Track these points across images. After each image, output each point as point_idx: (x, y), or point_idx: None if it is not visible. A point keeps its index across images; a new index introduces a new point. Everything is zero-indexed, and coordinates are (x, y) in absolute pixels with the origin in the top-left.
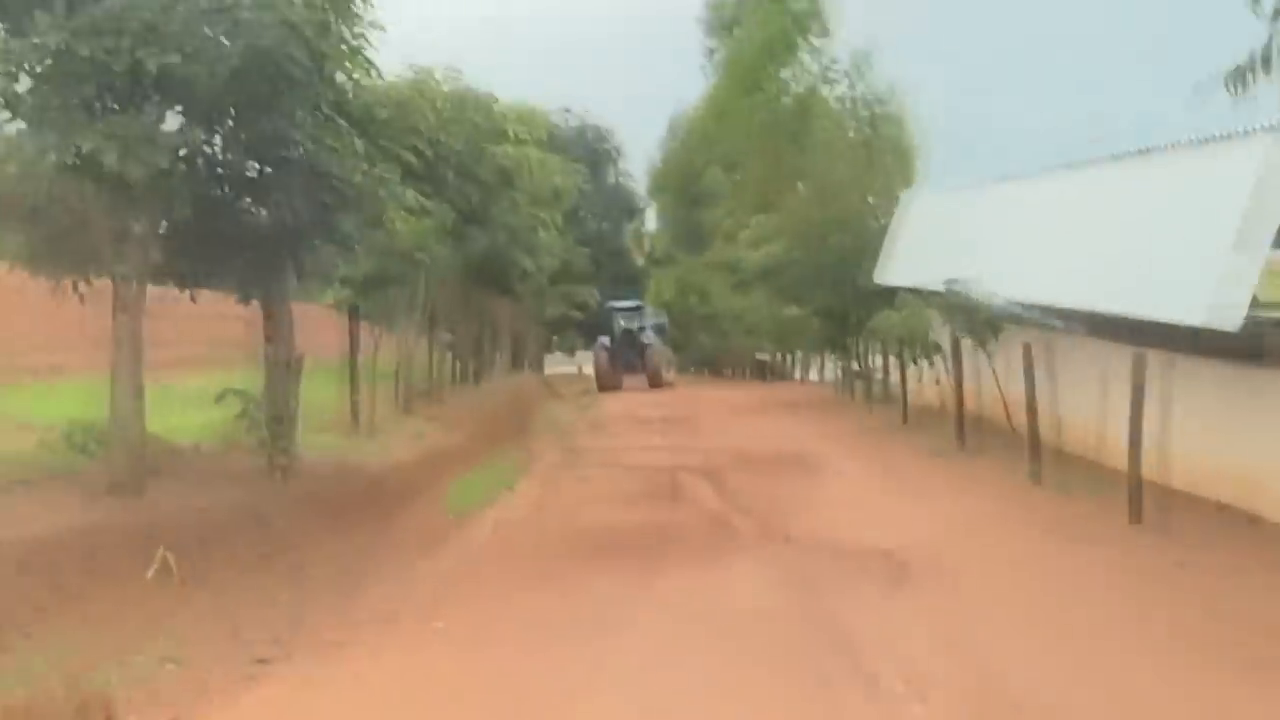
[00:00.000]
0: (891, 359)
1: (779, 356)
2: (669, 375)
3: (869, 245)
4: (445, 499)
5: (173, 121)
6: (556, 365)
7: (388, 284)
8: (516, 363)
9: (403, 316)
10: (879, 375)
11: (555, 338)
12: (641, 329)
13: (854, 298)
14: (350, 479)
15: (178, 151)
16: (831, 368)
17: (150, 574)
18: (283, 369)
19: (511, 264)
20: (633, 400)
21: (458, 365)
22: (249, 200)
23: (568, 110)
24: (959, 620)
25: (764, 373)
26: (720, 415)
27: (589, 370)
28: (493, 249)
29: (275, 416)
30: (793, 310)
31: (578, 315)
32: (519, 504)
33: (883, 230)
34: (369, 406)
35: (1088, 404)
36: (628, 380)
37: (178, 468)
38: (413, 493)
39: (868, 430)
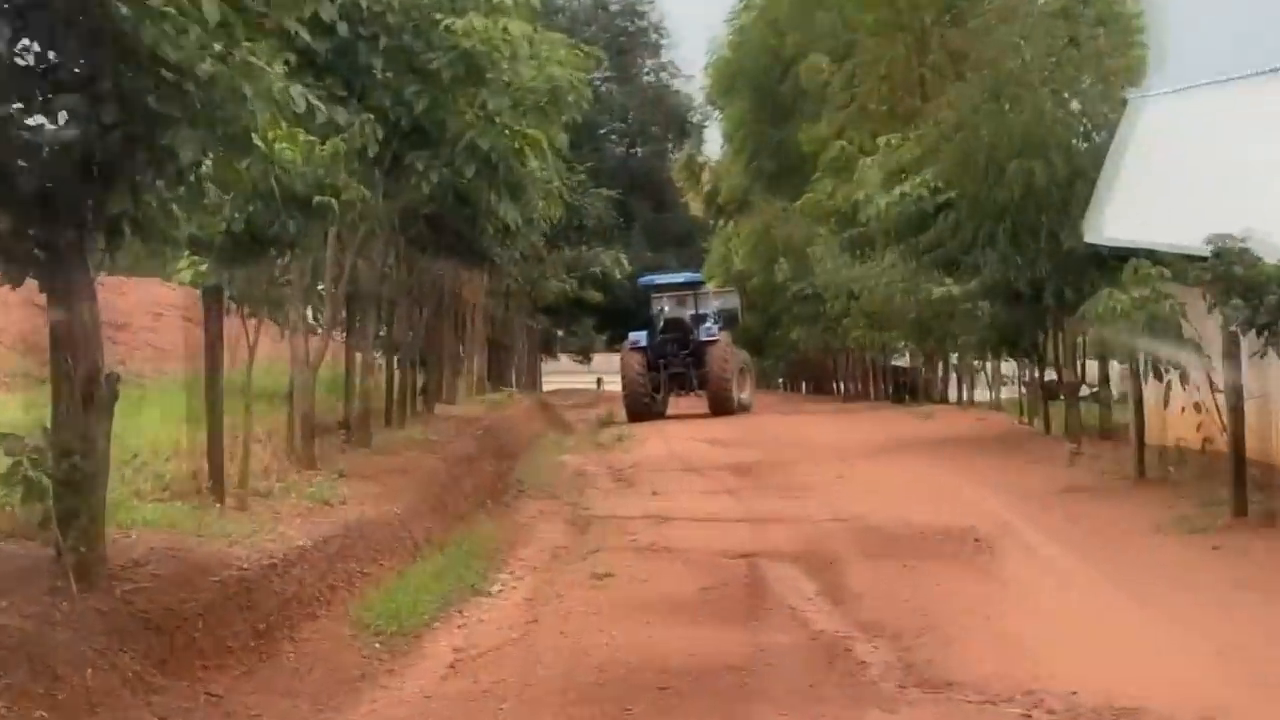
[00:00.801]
0: (1114, 367)
1: (924, 363)
2: (744, 394)
3: (1075, 181)
4: (369, 612)
5: None
6: (561, 377)
7: (270, 249)
8: (497, 373)
9: (299, 303)
10: (1091, 392)
11: (559, 334)
12: (698, 318)
13: (1053, 267)
14: (198, 585)
15: None
16: (1011, 381)
17: None
18: (78, 395)
19: (482, 213)
20: (684, 433)
21: (400, 380)
22: (16, 106)
23: None
24: None
25: (902, 389)
26: (827, 461)
27: (614, 386)
28: (450, 189)
29: (68, 476)
30: (947, 287)
31: (595, 298)
32: (495, 620)
33: (1098, 155)
34: (241, 456)
35: None
36: (675, 401)
37: None
38: (309, 604)
39: (1078, 489)
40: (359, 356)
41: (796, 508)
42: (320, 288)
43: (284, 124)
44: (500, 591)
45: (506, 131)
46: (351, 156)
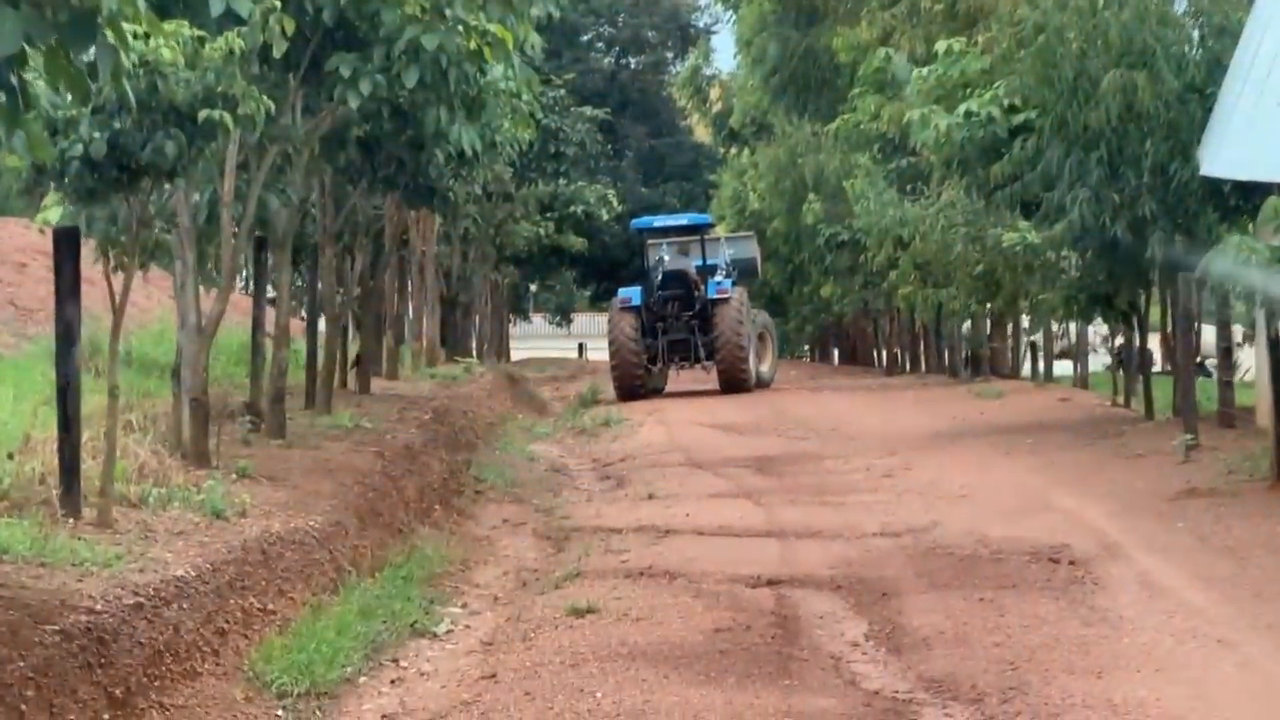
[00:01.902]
0: (1240, 335)
1: (989, 327)
2: (763, 366)
3: (1189, 98)
4: (270, 665)
5: None
6: (535, 343)
7: (141, 179)
8: (455, 339)
9: (186, 250)
10: (1208, 369)
11: (532, 288)
12: (706, 271)
13: (1160, 207)
14: (27, 638)
15: None
16: (1095, 350)
17: None
18: None
19: (430, 136)
20: (688, 416)
21: (327, 350)
22: None
23: None
24: None
25: (972, 363)
26: (872, 453)
27: (600, 354)
28: (387, 104)
29: None
30: (1021, 232)
31: (576, 244)
32: (440, 674)
33: (1218, 65)
34: (103, 453)
35: None
36: (676, 375)
37: None
38: (187, 657)
39: (1200, 494)
40: (272, 321)
41: (835, 517)
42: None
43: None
44: (449, 633)
45: (460, 28)
46: (251, 58)
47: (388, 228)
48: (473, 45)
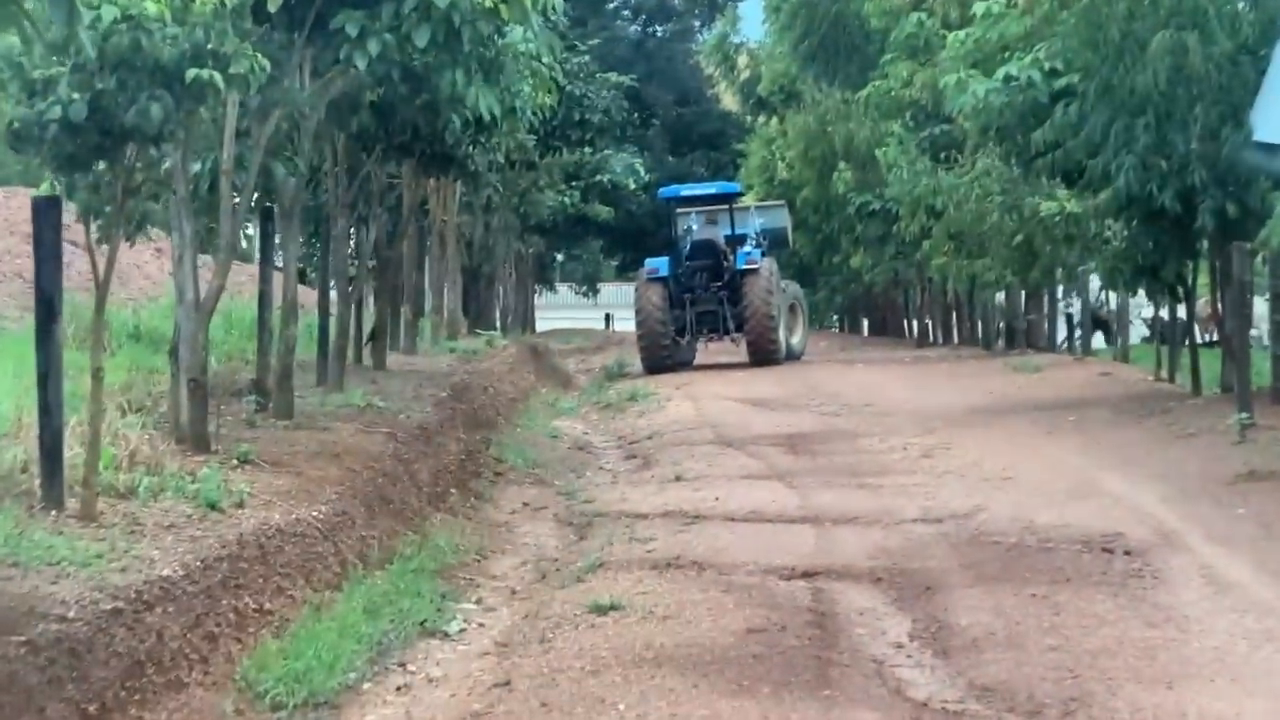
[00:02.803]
0: None
1: (1024, 299)
2: (794, 338)
3: (1242, 60)
4: (265, 672)
5: None
6: (561, 314)
7: (126, 144)
8: (478, 311)
9: (185, 219)
10: (1261, 341)
11: (559, 258)
12: (735, 241)
13: (1211, 175)
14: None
15: None
16: (1138, 326)
17: None
18: None
19: (445, 100)
20: (717, 390)
21: (339, 323)
22: None
23: None
24: None
25: (1006, 335)
26: (909, 430)
27: (627, 325)
28: (399, 65)
29: None
30: (1059, 201)
31: (602, 214)
32: (451, 680)
33: (1273, 24)
34: (91, 439)
35: None
36: (705, 347)
37: None
38: (173, 666)
39: (1260, 476)
40: (280, 293)
41: (873, 501)
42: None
43: None
44: (462, 632)
45: None
46: (244, 13)
47: (405, 196)
48: (488, 2)
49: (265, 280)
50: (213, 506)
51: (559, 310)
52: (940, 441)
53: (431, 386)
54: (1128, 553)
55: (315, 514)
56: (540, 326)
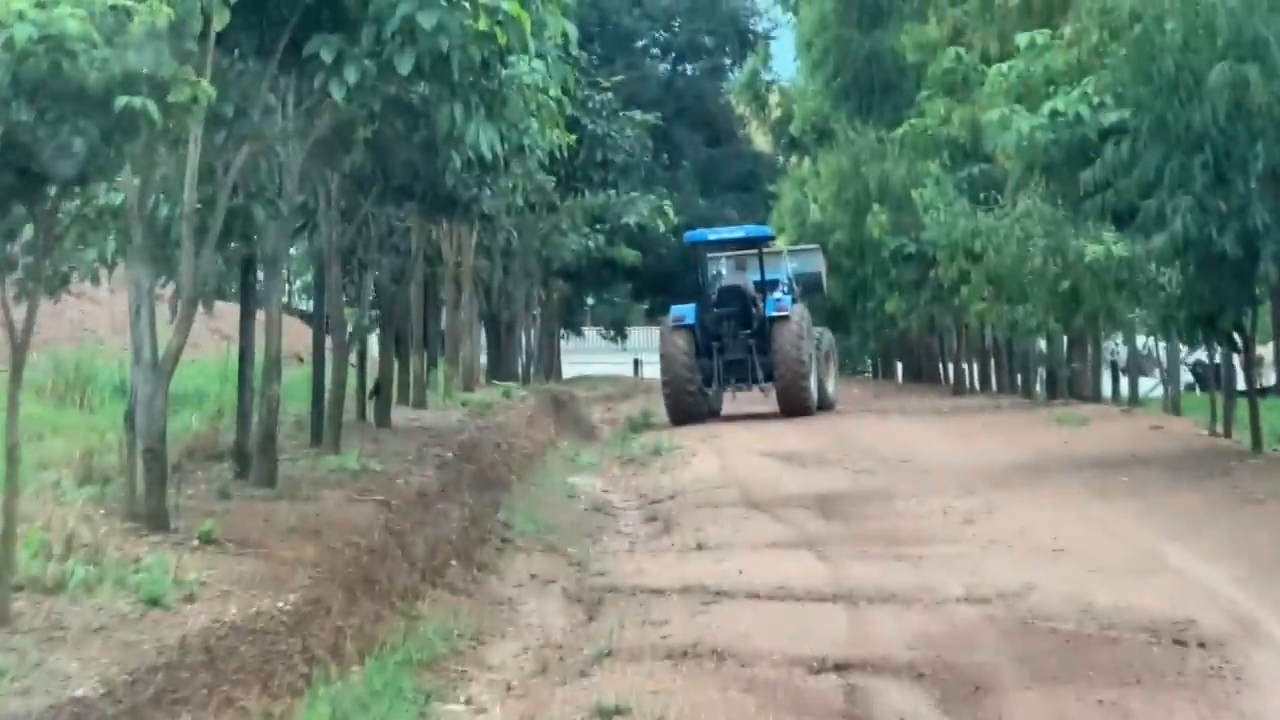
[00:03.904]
0: None
1: (1066, 346)
2: (827, 386)
3: None
4: None
5: None
6: (588, 359)
7: (43, 186)
8: (499, 359)
9: (142, 267)
10: None
11: (589, 302)
12: (765, 286)
13: (1274, 217)
14: None
15: None
16: (1180, 373)
17: None
18: None
19: (442, 137)
20: (745, 443)
21: (334, 378)
22: None
23: None
24: None
25: (1049, 384)
26: (948, 491)
27: (655, 372)
28: (391, 98)
29: None
30: (1106, 245)
31: (629, 257)
32: None
33: None
34: (5, 525)
35: None
36: (733, 396)
37: None
38: None
39: None
40: (262, 346)
41: (911, 575)
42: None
43: None
44: None
45: (465, 4)
46: (183, 33)
47: (414, 240)
48: (482, 25)
49: (246, 335)
50: (155, 602)
51: (586, 355)
52: (983, 504)
53: (438, 445)
54: (1202, 644)
55: (281, 605)
56: (567, 372)
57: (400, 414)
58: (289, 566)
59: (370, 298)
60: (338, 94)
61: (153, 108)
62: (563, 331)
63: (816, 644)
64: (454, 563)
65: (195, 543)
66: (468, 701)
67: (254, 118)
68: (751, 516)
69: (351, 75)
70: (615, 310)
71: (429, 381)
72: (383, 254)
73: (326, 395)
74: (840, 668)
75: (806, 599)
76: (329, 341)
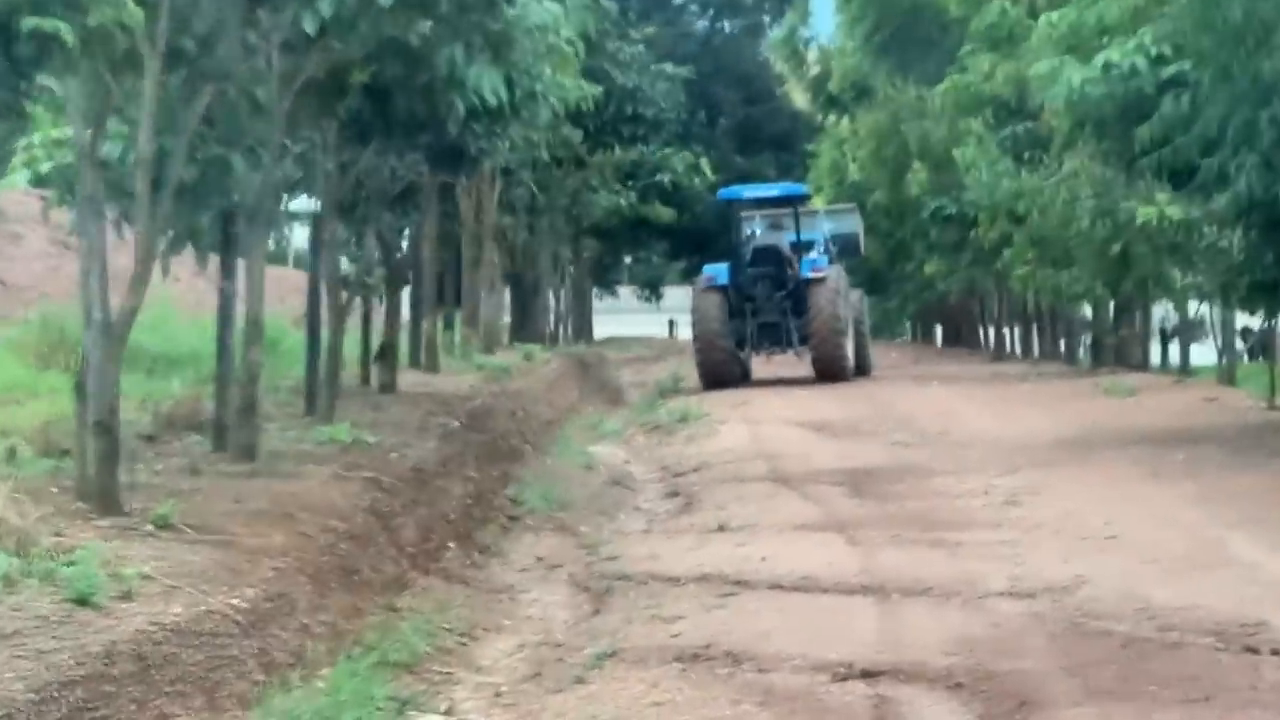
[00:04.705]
0: None
1: (1113, 312)
2: (865, 351)
3: None
4: None
5: None
6: (623, 319)
7: None
8: (524, 320)
9: (81, 220)
10: None
11: (627, 261)
12: (801, 247)
13: None
14: None
15: None
16: (1231, 344)
17: None
18: None
19: (442, 81)
20: (777, 411)
21: (331, 341)
22: None
23: None
24: None
25: (1094, 351)
26: (989, 467)
27: (689, 333)
28: (376, 36)
29: None
30: (1158, 207)
31: (664, 215)
32: None
33: None
34: None
35: None
36: (765, 359)
37: None
38: None
39: None
40: (242, 305)
41: (949, 565)
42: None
43: None
44: None
45: None
46: None
47: (426, 194)
48: None
49: (225, 298)
50: (83, 601)
51: (621, 315)
52: (1027, 484)
53: (445, 413)
54: (1276, 653)
55: (236, 602)
56: (599, 333)
57: (411, 379)
58: (251, 556)
59: (376, 256)
60: (309, 27)
61: (66, 31)
62: (596, 291)
63: (843, 647)
64: (453, 545)
65: (149, 528)
66: (448, 712)
67: (219, 54)
68: (779, 494)
69: (326, 7)
70: (651, 270)
71: (445, 344)
72: (388, 209)
73: (322, 360)
74: (868, 675)
75: (834, 591)
76: (325, 303)
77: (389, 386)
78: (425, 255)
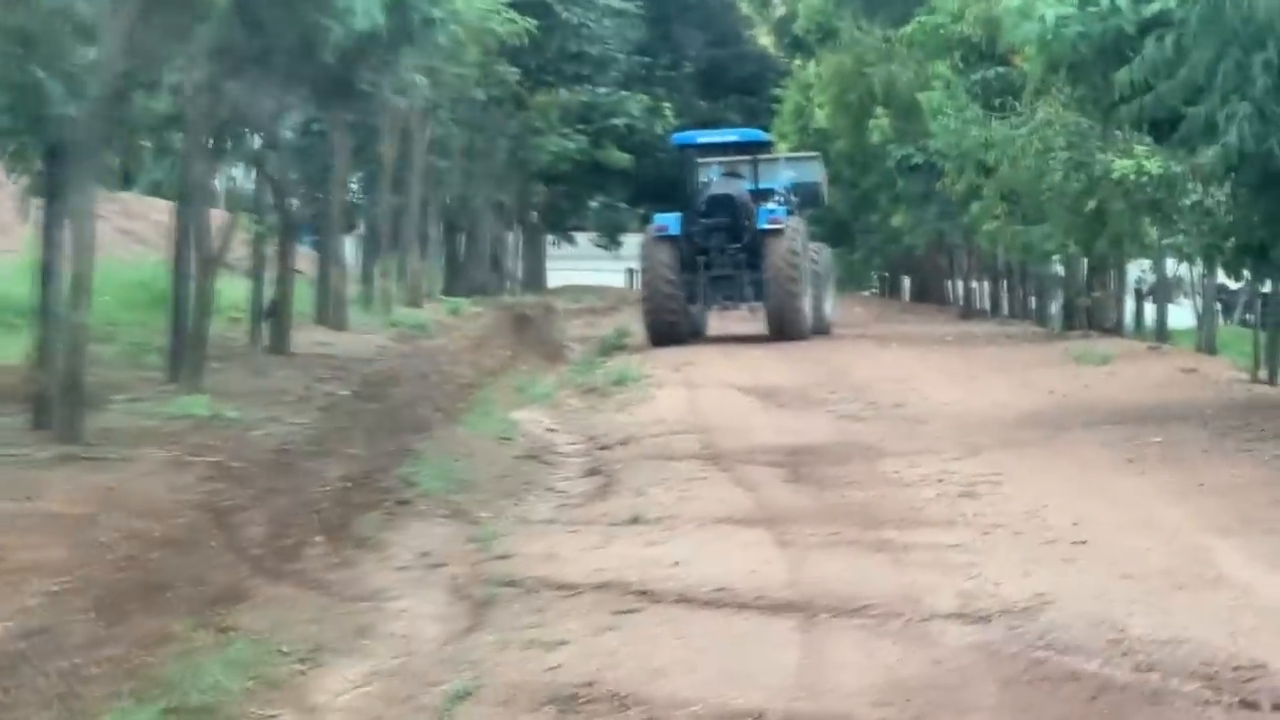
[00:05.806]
0: None
1: (1086, 271)
2: (824, 308)
3: None
4: None
5: None
6: (581, 265)
7: None
8: (456, 271)
9: None
10: None
11: (592, 205)
12: (758, 196)
13: None
14: None
15: None
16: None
17: None
18: None
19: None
20: (722, 372)
21: (199, 292)
22: None
23: None
24: None
25: (1066, 313)
26: (947, 446)
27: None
28: None
29: None
30: (1137, 160)
31: (620, 160)
32: None
33: None
34: None
35: None
36: (719, 316)
37: None
38: None
39: None
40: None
41: (891, 575)
42: None
43: None
44: None
45: None
46: None
47: (335, 136)
48: None
49: (51, 248)
50: None
51: (578, 262)
52: (988, 469)
53: (338, 378)
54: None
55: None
56: (554, 281)
57: (309, 337)
58: (15, 577)
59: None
60: None
61: None
62: (552, 239)
63: (752, 690)
64: (319, 541)
65: None
66: None
67: None
68: (708, 476)
69: None
70: (614, 217)
71: (357, 299)
72: (274, 149)
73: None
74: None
75: (753, 608)
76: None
77: (279, 347)
78: (335, 200)
